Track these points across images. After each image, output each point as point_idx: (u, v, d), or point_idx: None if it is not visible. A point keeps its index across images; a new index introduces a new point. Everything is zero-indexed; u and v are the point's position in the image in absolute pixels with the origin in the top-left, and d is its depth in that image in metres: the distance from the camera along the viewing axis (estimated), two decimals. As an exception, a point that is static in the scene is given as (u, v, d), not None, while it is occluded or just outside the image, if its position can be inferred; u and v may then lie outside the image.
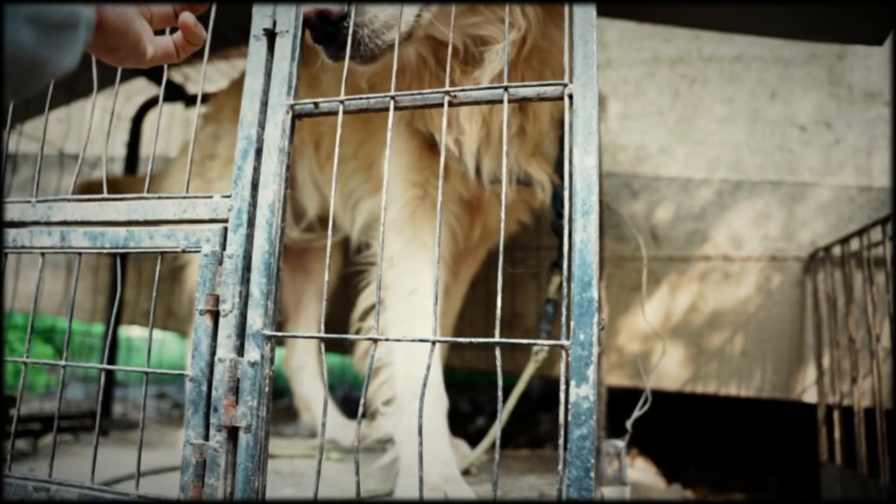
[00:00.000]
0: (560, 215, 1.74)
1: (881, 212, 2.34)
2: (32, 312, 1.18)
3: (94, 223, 1.08)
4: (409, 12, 1.32)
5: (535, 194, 1.75)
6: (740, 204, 2.53)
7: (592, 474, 0.75)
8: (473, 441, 1.87)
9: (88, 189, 2.45)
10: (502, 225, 0.87)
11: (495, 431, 0.83)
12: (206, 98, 2.43)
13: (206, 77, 1.24)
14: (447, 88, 0.92)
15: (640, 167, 2.65)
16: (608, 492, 1.49)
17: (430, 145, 1.67)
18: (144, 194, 1.06)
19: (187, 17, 0.97)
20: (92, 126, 1.25)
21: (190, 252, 1.01)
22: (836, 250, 2.15)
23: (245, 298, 0.95)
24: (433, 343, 0.87)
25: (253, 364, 0.92)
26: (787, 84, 2.56)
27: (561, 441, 0.77)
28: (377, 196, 1.83)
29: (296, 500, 1.51)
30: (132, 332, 3.94)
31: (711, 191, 2.56)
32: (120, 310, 2.85)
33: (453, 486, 1.36)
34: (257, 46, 1.01)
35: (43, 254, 1.12)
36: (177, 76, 2.93)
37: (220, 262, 0.97)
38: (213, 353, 0.95)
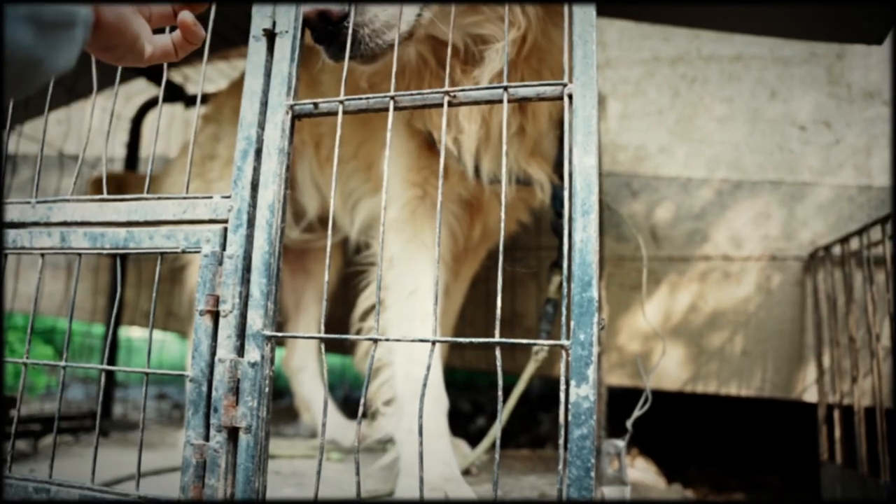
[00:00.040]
0: (559, 215, 1.74)
1: (881, 211, 2.34)
2: (32, 313, 1.18)
3: (93, 224, 1.08)
4: (410, 12, 1.32)
5: (535, 194, 1.75)
6: (740, 203, 2.53)
7: (593, 474, 0.75)
8: (474, 441, 1.87)
9: (96, 184, 2.46)
10: (502, 225, 0.87)
11: (496, 431, 0.83)
12: (205, 98, 2.43)
13: (206, 78, 1.24)
14: (447, 88, 0.92)
15: (639, 167, 2.65)
16: (608, 491, 1.49)
17: (429, 145, 1.67)
18: (144, 195, 1.06)
19: (186, 16, 0.97)
20: (92, 127, 1.25)
21: (190, 252, 1.01)
22: (836, 250, 2.15)
23: (245, 299, 0.95)
24: (433, 343, 0.87)
25: (253, 364, 0.92)
26: (787, 83, 2.56)
27: (561, 441, 0.77)
28: (377, 196, 1.83)
29: (296, 500, 1.51)
30: (132, 333, 3.94)
31: (711, 190, 2.57)
32: (120, 310, 2.85)
33: (454, 486, 1.36)
34: (257, 47, 1.02)
35: (43, 254, 1.12)
36: (176, 77, 2.93)
37: (220, 263, 0.97)
38: (213, 353, 0.95)
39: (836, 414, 2.03)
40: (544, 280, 1.95)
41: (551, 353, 1.71)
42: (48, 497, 1.01)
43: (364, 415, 0.94)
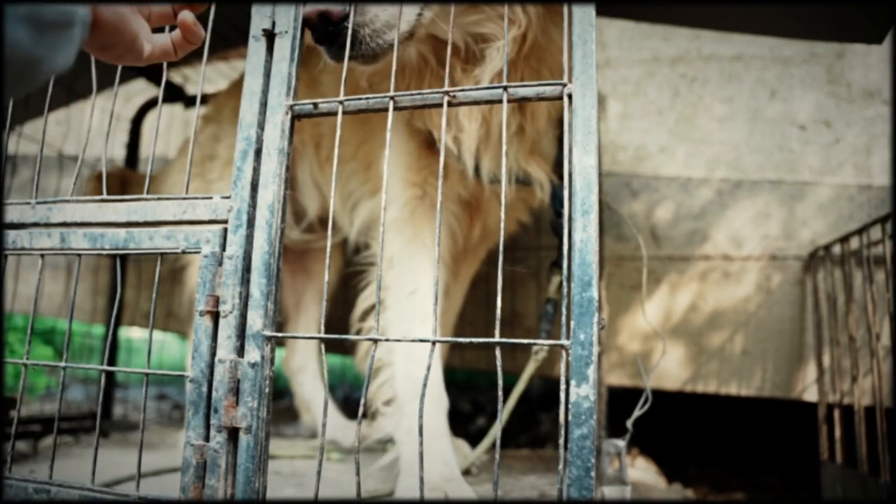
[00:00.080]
0: (559, 214, 1.73)
1: (881, 210, 2.34)
2: (32, 314, 1.18)
3: (93, 224, 1.08)
4: (411, 11, 1.32)
5: (534, 193, 1.75)
6: (740, 203, 2.53)
7: (593, 474, 0.75)
8: (474, 441, 1.87)
9: (97, 181, 2.46)
10: (502, 224, 0.87)
11: (496, 431, 0.83)
12: (205, 99, 2.43)
13: (206, 78, 1.24)
14: (446, 88, 0.92)
15: (639, 167, 2.65)
16: (609, 491, 1.49)
17: (428, 145, 1.67)
18: (144, 195, 1.06)
19: (187, 15, 0.97)
20: (91, 127, 1.25)
21: (190, 253, 1.01)
22: (836, 249, 2.15)
23: (245, 299, 0.95)
24: (433, 343, 0.87)
25: (253, 365, 0.92)
26: (787, 83, 2.56)
27: (561, 441, 0.76)
28: (376, 197, 1.83)
29: (296, 500, 1.51)
30: (132, 334, 3.94)
31: (711, 190, 2.56)
32: (120, 311, 2.85)
33: (454, 486, 1.36)
34: (256, 47, 1.01)
35: (42, 255, 1.12)
36: (176, 77, 2.93)
37: (220, 263, 0.97)
38: (213, 354, 0.95)
39: (837, 413, 2.03)
40: (544, 280, 1.95)
41: (551, 352, 1.71)
42: (48, 498, 1.01)
43: (364, 415, 0.94)
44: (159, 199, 1.04)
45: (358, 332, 1.76)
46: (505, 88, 0.89)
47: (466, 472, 1.72)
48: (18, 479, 1.04)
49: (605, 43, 2.77)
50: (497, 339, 0.83)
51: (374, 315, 0.93)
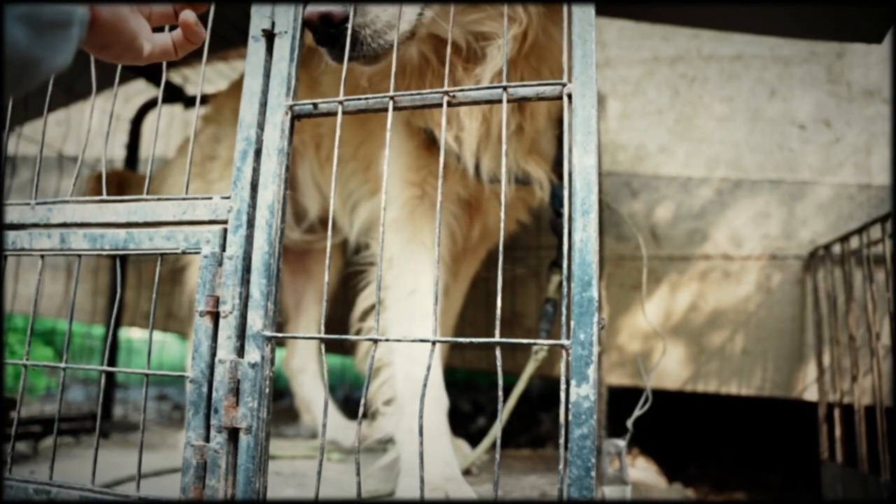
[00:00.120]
0: (559, 214, 1.73)
1: (881, 210, 2.34)
2: (32, 314, 1.18)
3: (93, 225, 1.08)
4: (411, 11, 1.32)
5: (534, 193, 1.75)
6: (740, 203, 2.53)
7: (593, 474, 0.75)
8: (474, 441, 1.87)
9: (96, 181, 2.46)
10: (502, 224, 0.87)
11: (496, 431, 0.83)
12: (205, 99, 2.43)
13: (205, 78, 1.24)
14: (446, 88, 0.92)
15: (639, 166, 2.65)
16: (609, 491, 1.49)
17: (428, 145, 1.67)
18: (144, 196, 1.06)
19: (188, 15, 0.97)
20: (91, 128, 1.25)
21: (189, 253, 1.01)
22: (836, 248, 2.15)
23: (245, 300, 0.95)
24: (433, 343, 0.87)
25: (253, 365, 0.92)
26: (787, 82, 2.56)
27: (562, 440, 0.76)
28: (376, 197, 1.83)
29: (297, 500, 1.51)
30: (132, 334, 3.94)
31: (711, 190, 2.56)
32: (120, 311, 2.85)
33: (454, 486, 1.36)
34: (256, 47, 1.01)
35: (42, 256, 1.12)
36: (176, 77, 2.93)
37: (220, 264, 0.97)
38: (213, 354, 0.95)
39: (837, 412, 2.03)
40: (544, 280, 1.95)
41: (551, 352, 1.71)
42: (48, 498, 1.01)
43: (364, 415, 0.94)
44: (159, 199, 1.04)
45: (358, 333, 1.76)
46: (504, 88, 0.89)
47: (467, 472, 1.72)
48: (19, 479, 1.04)
49: (604, 42, 2.77)
50: (497, 338, 0.83)
51: (373, 315, 0.93)
